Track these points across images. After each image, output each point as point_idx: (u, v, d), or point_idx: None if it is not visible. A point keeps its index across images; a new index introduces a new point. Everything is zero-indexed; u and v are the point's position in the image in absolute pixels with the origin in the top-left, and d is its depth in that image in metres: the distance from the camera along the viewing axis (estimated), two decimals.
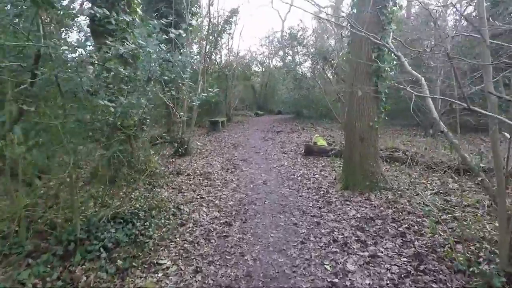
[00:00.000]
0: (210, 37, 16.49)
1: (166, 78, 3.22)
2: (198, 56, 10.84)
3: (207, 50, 16.53)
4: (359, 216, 3.93)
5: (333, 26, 27.60)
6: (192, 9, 9.84)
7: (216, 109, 16.24)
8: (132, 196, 4.41)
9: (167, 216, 3.83)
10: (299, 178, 5.79)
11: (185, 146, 7.81)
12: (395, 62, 4.68)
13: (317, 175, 5.91)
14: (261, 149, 8.82)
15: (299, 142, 9.56)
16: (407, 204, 4.27)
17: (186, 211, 4.11)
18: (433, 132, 11.09)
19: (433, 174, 5.76)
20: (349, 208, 4.21)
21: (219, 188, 5.19)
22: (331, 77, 14.86)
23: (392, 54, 4.33)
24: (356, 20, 4.77)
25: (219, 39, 16.61)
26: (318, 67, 18.65)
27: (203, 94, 4.48)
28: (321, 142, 8.02)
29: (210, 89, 4.44)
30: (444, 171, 5.81)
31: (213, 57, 17.21)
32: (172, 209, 4.09)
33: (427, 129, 11.32)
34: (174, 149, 7.94)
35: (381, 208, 4.16)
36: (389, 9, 4.68)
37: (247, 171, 6.36)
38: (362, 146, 4.88)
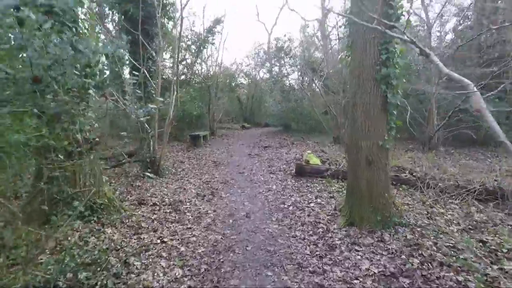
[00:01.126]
0: (193, 47, 15.56)
1: (87, 81, 2.13)
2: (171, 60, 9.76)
3: (189, 61, 15.55)
4: (375, 271, 2.86)
5: (319, 39, 27.31)
6: (168, 13, 8.80)
7: (199, 122, 15.12)
8: (64, 244, 3.23)
9: (105, 282, 2.65)
10: (290, 208, 4.70)
11: (156, 166, 6.64)
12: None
13: (312, 204, 4.85)
14: (246, 168, 7.73)
15: (288, 159, 8.53)
16: (434, 248, 3.24)
17: (136, 268, 2.93)
18: (432, 146, 10.32)
19: (450, 201, 4.81)
20: (359, 257, 3.14)
21: (189, 226, 4.03)
22: (318, 89, 14.05)
23: (416, 52, 3.39)
24: (357, 16, 3.85)
25: (202, 49, 15.66)
26: (306, 78, 17.97)
27: (151, 106, 3.39)
28: (314, 161, 7.01)
29: (160, 98, 3.35)
30: (463, 197, 4.88)
31: (196, 67, 16.24)
32: (117, 266, 2.91)
33: (424, 143, 10.54)
34: (142, 170, 6.76)
35: (402, 255, 3.12)
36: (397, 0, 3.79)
37: (227, 199, 5.23)
38: (370, 171, 3.87)
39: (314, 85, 20.46)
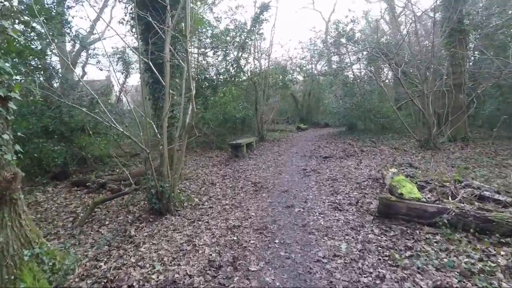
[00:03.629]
0: (237, 39, 13.59)
1: None
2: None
3: (232, 56, 13.61)
4: None
5: (388, 23, 23.05)
6: None
7: (244, 126, 13.06)
8: None
9: None
10: None
11: (166, 199, 4.63)
12: None
13: None
14: (297, 196, 5.26)
15: (360, 180, 5.81)
16: None
17: None
18: None
19: None
20: None
21: None
22: (398, 77, 10.73)
23: None
24: None
25: (247, 41, 13.58)
26: (372, 68, 14.58)
27: None
28: (410, 190, 4.20)
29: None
30: None
31: (241, 63, 14.24)
32: None
33: None
34: (148, 204, 4.83)
35: None
36: None
37: (256, 278, 2.87)
38: None
39: (384, 74, 16.82)
